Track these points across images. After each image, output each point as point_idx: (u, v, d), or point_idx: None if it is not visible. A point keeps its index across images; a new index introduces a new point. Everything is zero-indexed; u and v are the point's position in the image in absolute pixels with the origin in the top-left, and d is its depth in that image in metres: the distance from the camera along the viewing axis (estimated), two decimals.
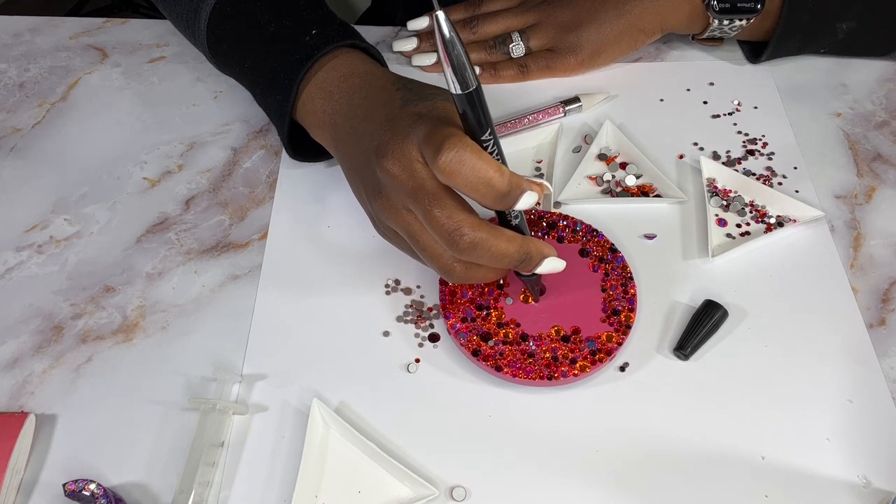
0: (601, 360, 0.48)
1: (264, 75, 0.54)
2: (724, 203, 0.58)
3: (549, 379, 0.48)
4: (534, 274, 0.47)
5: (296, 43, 0.53)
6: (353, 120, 0.49)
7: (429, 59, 0.66)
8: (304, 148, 0.57)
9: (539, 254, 0.45)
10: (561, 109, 0.63)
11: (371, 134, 0.46)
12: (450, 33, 0.36)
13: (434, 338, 0.51)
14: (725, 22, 0.63)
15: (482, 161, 0.40)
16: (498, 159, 0.42)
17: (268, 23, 0.54)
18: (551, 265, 0.46)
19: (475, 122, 0.41)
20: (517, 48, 0.65)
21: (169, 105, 0.66)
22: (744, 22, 0.63)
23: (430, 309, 0.52)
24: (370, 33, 0.71)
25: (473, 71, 0.39)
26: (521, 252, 0.44)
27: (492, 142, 0.42)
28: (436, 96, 0.46)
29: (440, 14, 0.36)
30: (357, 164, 0.48)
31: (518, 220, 0.45)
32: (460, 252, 0.43)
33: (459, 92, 0.39)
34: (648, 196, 0.58)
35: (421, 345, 0.51)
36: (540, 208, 0.57)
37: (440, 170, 0.40)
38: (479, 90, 0.39)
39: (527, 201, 0.42)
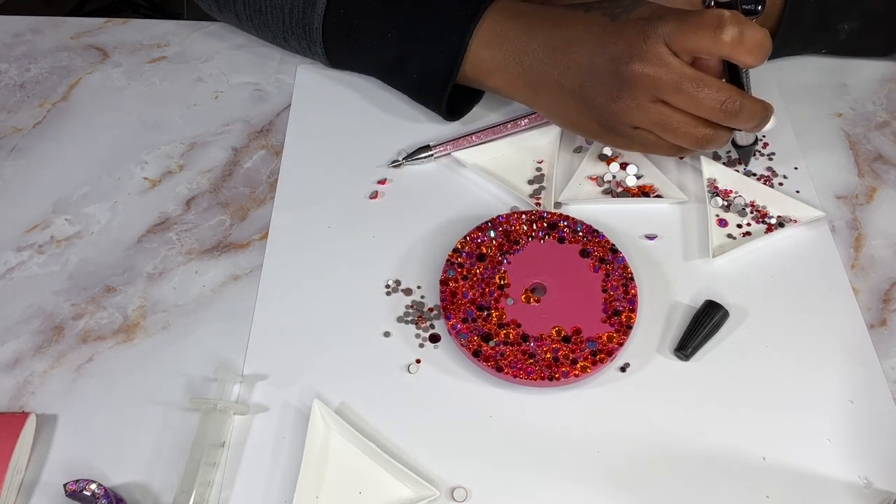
0: (602, 361, 0.48)
1: (419, 41, 0.57)
2: (725, 203, 0.58)
3: (550, 379, 0.48)
4: (753, 142, 0.57)
5: (450, 3, 0.56)
6: (547, 51, 0.53)
7: None
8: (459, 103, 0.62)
9: (771, 111, 0.51)
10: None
11: (591, 52, 0.51)
12: None
13: (435, 338, 0.51)
14: None
15: (753, 27, 0.47)
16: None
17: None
18: (773, 122, 0.52)
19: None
20: None
21: (169, 105, 0.66)
22: None
23: (430, 309, 0.52)
24: None
25: None
26: (768, 109, 0.51)
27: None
28: (638, 2, 0.52)
29: None
30: (574, 84, 0.53)
31: (748, 84, 0.52)
32: (731, 117, 0.49)
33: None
34: (649, 196, 0.58)
35: (421, 345, 0.51)
36: (540, 208, 0.57)
37: (727, 45, 0.47)
38: None
39: (772, 125, 0.52)
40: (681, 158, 0.60)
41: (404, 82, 0.61)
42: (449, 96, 0.59)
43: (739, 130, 0.54)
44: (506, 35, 0.55)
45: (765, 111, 0.51)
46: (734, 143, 0.57)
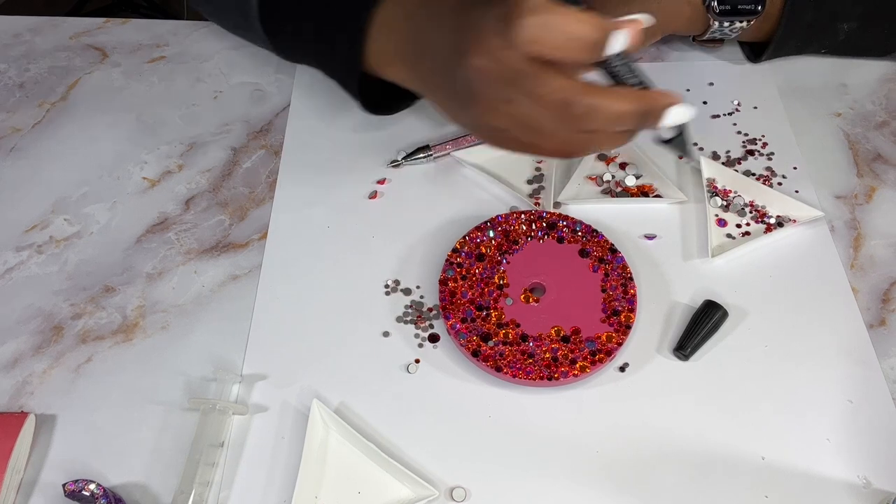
0: (601, 361, 0.48)
1: (327, 35, 0.53)
2: (724, 203, 0.58)
3: (549, 379, 0.48)
4: (678, 134, 0.45)
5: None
6: (422, 42, 0.48)
7: None
8: (380, 102, 0.56)
9: (661, 105, 0.42)
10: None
11: (446, 44, 0.45)
12: None
13: (434, 338, 0.51)
14: (726, 24, 0.63)
15: (561, 16, 0.38)
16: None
17: None
18: (677, 115, 0.42)
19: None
20: None
21: (169, 105, 0.66)
22: (744, 24, 0.63)
23: (429, 309, 0.52)
24: None
25: None
26: (641, 108, 0.41)
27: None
28: None
29: None
30: (440, 81, 0.46)
31: (633, 78, 0.42)
32: (577, 122, 0.41)
33: None
34: (648, 196, 0.58)
35: (421, 345, 0.51)
36: (540, 208, 0.57)
37: (525, 40, 0.39)
38: None
39: (618, 42, 0.40)
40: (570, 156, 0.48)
41: (334, 77, 0.57)
42: (378, 91, 0.55)
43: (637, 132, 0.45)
44: (395, 26, 0.49)
45: (634, 113, 0.41)
46: (659, 140, 0.47)
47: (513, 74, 0.41)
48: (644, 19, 0.41)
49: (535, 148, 0.45)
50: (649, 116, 0.42)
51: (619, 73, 0.42)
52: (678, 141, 0.47)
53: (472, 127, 0.47)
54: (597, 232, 0.54)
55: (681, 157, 0.55)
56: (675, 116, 0.42)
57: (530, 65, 0.40)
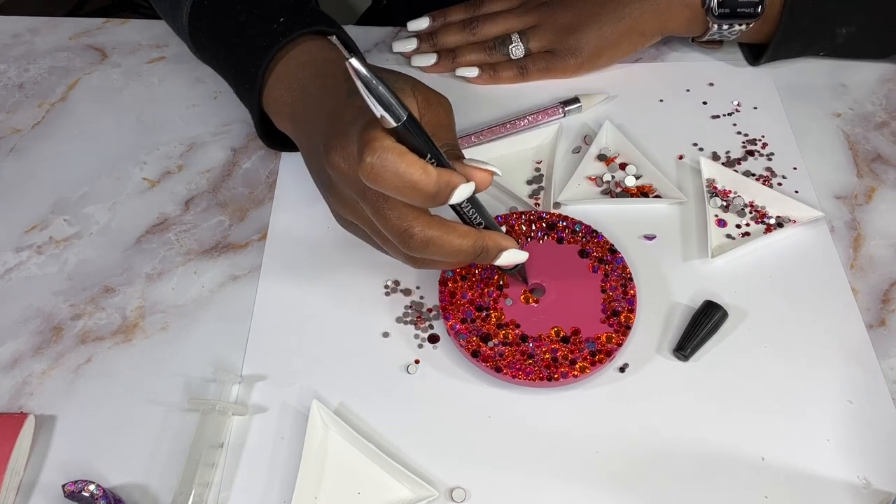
0: (601, 361, 0.48)
1: (234, 66, 0.54)
2: (724, 204, 0.58)
3: (549, 380, 0.48)
4: (515, 268, 0.48)
5: (262, 31, 0.52)
6: (307, 112, 0.49)
7: (428, 59, 0.66)
8: (281, 136, 0.56)
9: (496, 247, 0.45)
10: (560, 110, 0.63)
11: (319, 127, 0.46)
12: (366, 72, 0.36)
13: (434, 339, 0.51)
14: (725, 26, 0.63)
15: (405, 164, 0.39)
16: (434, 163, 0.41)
17: (239, 13, 0.54)
18: (510, 257, 0.45)
19: (416, 149, 0.40)
20: (517, 49, 0.65)
21: (169, 105, 0.66)
22: (743, 26, 0.63)
23: (429, 310, 0.52)
24: (370, 34, 0.71)
25: (401, 103, 0.38)
26: (476, 247, 0.44)
27: (434, 164, 0.41)
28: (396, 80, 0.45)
29: (352, 61, 0.36)
30: (312, 156, 0.48)
31: (478, 217, 0.45)
32: (413, 251, 0.43)
33: (393, 125, 0.38)
34: (648, 197, 0.58)
35: (420, 346, 0.51)
36: (539, 209, 0.57)
37: (363, 176, 0.39)
38: (410, 120, 0.39)
39: (460, 195, 0.41)
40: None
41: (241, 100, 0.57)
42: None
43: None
44: (289, 85, 0.51)
45: (469, 251, 0.43)
46: (498, 267, 0.49)
47: (363, 187, 0.42)
48: (495, 170, 0.43)
49: (380, 248, 0.47)
50: (485, 255, 0.45)
51: (464, 211, 0.44)
52: (516, 271, 0.50)
53: (331, 210, 0.48)
54: (596, 232, 0.54)
55: (739, 163, 0.58)
56: (507, 258, 0.45)
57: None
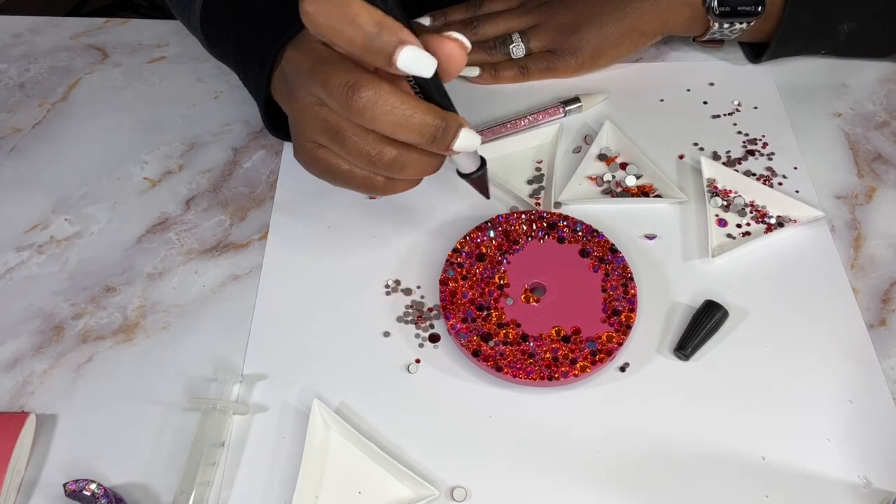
0: (601, 361, 0.48)
1: (246, 50, 0.54)
2: (725, 203, 0.58)
3: (550, 379, 0.48)
4: (478, 171, 0.46)
5: (276, 18, 0.52)
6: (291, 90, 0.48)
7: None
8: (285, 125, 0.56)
9: (456, 123, 0.41)
10: (561, 110, 0.63)
11: (292, 93, 0.46)
12: None
13: (434, 338, 0.51)
14: (726, 25, 0.63)
15: (402, 100, 0.39)
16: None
17: (254, 1, 0.54)
18: (467, 138, 0.42)
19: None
20: (517, 49, 0.65)
21: (169, 105, 0.66)
22: (744, 25, 0.63)
23: (430, 309, 0.52)
24: None
25: None
26: (438, 120, 0.41)
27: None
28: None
29: None
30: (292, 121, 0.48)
31: (442, 99, 0.42)
32: (385, 168, 0.42)
33: None
34: (649, 196, 0.58)
35: (421, 345, 0.51)
36: (540, 208, 0.57)
37: (355, 112, 0.39)
38: None
39: (465, 142, 0.41)
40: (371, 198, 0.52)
41: (250, 91, 0.57)
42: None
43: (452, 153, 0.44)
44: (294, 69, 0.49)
45: (432, 166, 0.43)
46: (458, 173, 0.48)
47: (314, 61, 0.41)
48: (462, 39, 0.40)
49: (339, 175, 0.46)
50: (444, 134, 0.41)
51: (426, 90, 0.41)
52: (478, 176, 0.48)
53: (298, 147, 0.47)
54: (597, 232, 0.54)
55: (739, 162, 0.57)
56: (465, 138, 0.42)
57: (331, 54, 0.40)
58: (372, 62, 0.39)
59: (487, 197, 0.49)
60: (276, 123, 0.55)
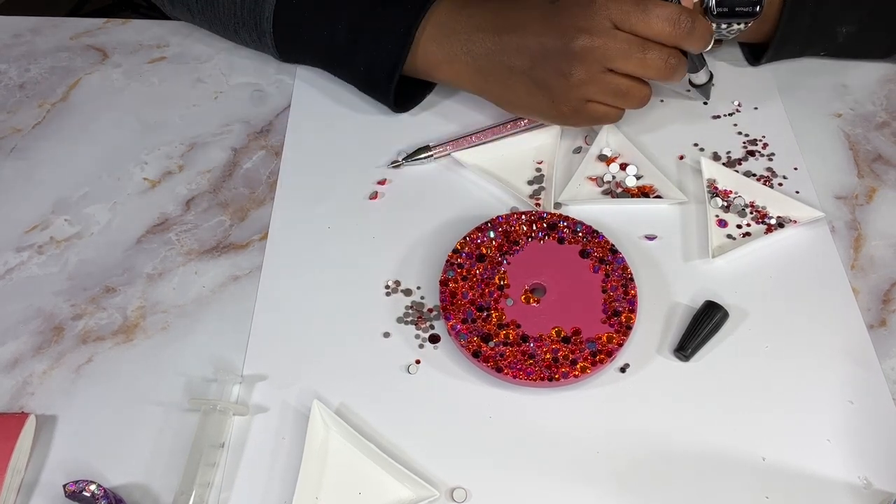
0: (602, 362, 0.48)
1: (367, 32, 0.58)
2: (725, 204, 0.58)
3: (550, 380, 0.48)
4: (708, 81, 0.62)
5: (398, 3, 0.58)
6: (493, 39, 0.55)
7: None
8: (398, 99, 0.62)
9: (711, 29, 0.54)
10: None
11: (537, 33, 0.54)
12: None
13: (434, 339, 0.51)
14: (724, 26, 0.63)
15: (701, 19, 0.52)
16: None
17: None
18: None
19: None
20: None
21: (169, 105, 0.66)
22: (742, 26, 0.63)
23: (430, 310, 0.52)
24: None
25: None
26: (700, 47, 0.54)
27: None
28: None
29: None
30: (524, 67, 0.55)
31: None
32: (670, 72, 0.53)
33: None
34: (649, 197, 0.58)
35: (421, 346, 0.51)
36: (540, 209, 0.57)
37: (681, 38, 0.52)
38: None
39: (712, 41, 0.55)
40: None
41: (353, 74, 0.62)
42: (400, 88, 0.61)
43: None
44: (452, 27, 0.57)
45: (686, 65, 0.55)
46: (691, 83, 0.63)
47: (627, 46, 0.52)
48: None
49: (606, 115, 0.56)
50: (711, 35, 0.54)
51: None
52: (705, 87, 0.63)
53: (557, 102, 0.55)
54: (597, 232, 0.54)
55: (739, 163, 0.61)
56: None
57: (634, 39, 0.52)
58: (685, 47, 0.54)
59: (706, 102, 0.65)
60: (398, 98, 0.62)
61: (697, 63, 0.61)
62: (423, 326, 0.52)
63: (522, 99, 0.57)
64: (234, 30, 0.65)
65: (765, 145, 0.62)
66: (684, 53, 0.55)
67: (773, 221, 0.57)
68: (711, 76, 0.62)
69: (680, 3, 0.54)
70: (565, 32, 0.52)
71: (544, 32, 0.53)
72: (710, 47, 0.55)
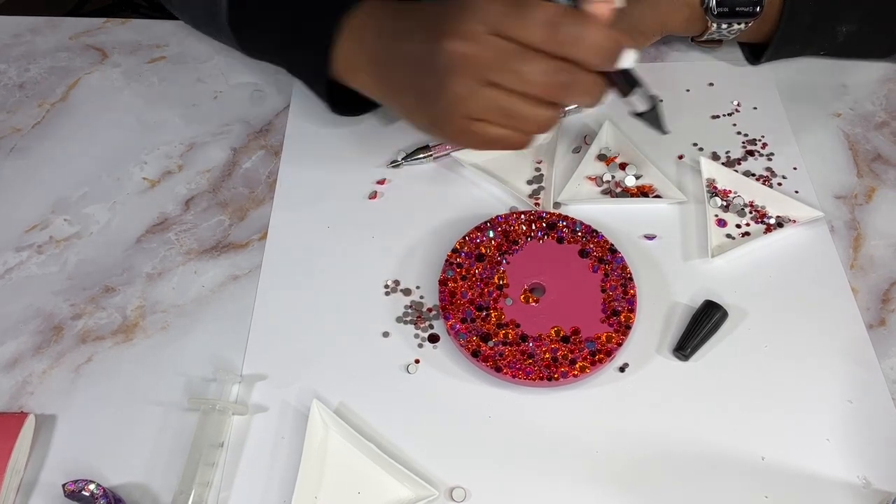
0: (601, 361, 0.48)
1: (295, 40, 0.54)
2: (724, 203, 0.58)
3: (549, 380, 0.48)
4: (651, 107, 0.49)
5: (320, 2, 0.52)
6: (390, 47, 0.49)
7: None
8: (346, 102, 0.57)
9: (621, 43, 0.45)
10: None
11: (418, 39, 0.46)
12: None
13: (434, 338, 0.51)
14: (724, 25, 0.63)
15: (594, 28, 0.42)
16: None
17: None
18: (631, 56, 0.45)
19: None
20: None
21: (169, 105, 0.66)
22: (742, 26, 0.63)
23: (429, 310, 0.52)
24: None
25: None
26: (599, 86, 0.45)
27: None
28: None
29: None
30: (407, 79, 0.48)
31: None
32: (560, 92, 0.44)
33: None
34: (648, 197, 0.58)
35: (420, 345, 0.51)
36: (539, 208, 0.57)
37: (560, 45, 0.42)
38: None
39: (629, 59, 0.44)
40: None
41: (301, 78, 0.58)
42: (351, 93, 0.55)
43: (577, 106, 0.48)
44: (363, 35, 0.51)
45: (600, 87, 0.45)
46: (635, 114, 0.50)
47: (499, 55, 0.43)
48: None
49: (505, 139, 0.47)
50: (617, 48, 0.44)
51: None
52: (651, 115, 0.50)
53: (444, 120, 0.47)
54: (596, 232, 0.54)
55: (739, 162, 0.58)
56: (630, 55, 0.45)
57: (515, 48, 0.43)
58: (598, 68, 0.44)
59: (663, 132, 0.51)
60: (338, 100, 0.55)
61: (625, 84, 0.48)
62: (422, 326, 0.52)
63: (415, 115, 0.49)
64: (205, 24, 0.62)
65: (764, 145, 0.62)
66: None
67: (772, 221, 0.57)
68: (655, 100, 0.49)
69: (579, 4, 0.44)
70: (437, 36, 0.44)
71: (421, 37, 0.46)
72: (629, 64, 0.45)
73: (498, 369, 0.48)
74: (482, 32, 0.43)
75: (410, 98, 0.48)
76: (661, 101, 0.50)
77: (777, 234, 0.56)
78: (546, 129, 0.47)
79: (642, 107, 0.49)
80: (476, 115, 0.45)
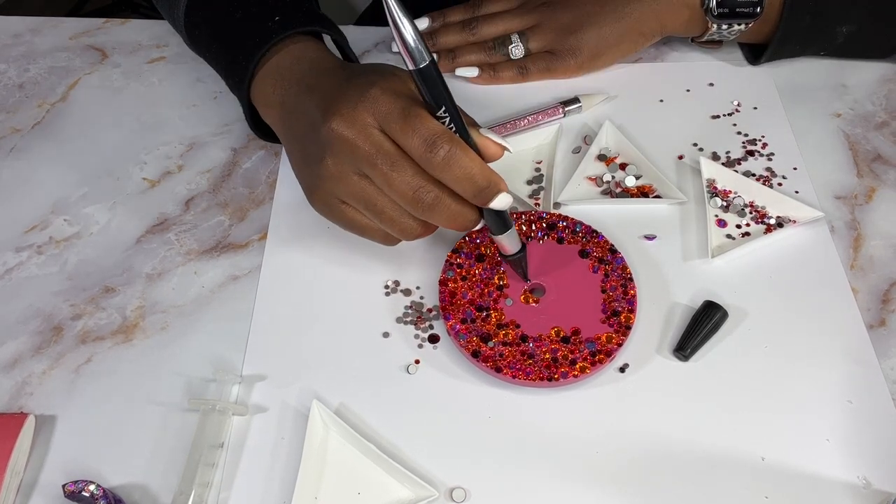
0: (601, 362, 0.48)
1: (226, 59, 0.55)
2: (724, 204, 0.58)
3: (549, 380, 0.48)
4: (517, 253, 0.49)
5: (257, 28, 0.53)
6: (299, 97, 0.50)
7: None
8: (269, 129, 0.57)
9: (498, 180, 0.44)
10: (560, 110, 0.63)
11: (316, 103, 0.47)
12: (398, 10, 0.38)
13: (434, 339, 0.51)
14: (724, 26, 0.63)
15: (469, 158, 0.43)
16: (456, 133, 0.43)
17: (236, 9, 0.55)
18: (504, 199, 0.45)
19: (431, 99, 0.42)
20: (517, 49, 0.65)
21: (169, 105, 0.66)
22: (742, 26, 0.63)
23: (429, 310, 0.52)
24: (370, 34, 0.71)
25: (426, 46, 0.40)
26: (488, 173, 0.44)
27: (448, 118, 0.43)
28: (386, 68, 0.47)
29: None
30: (300, 135, 0.49)
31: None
32: (425, 210, 0.44)
33: (413, 68, 0.40)
34: (648, 197, 0.58)
35: (421, 346, 0.51)
36: (539, 209, 0.57)
37: (435, 164, 0.42)
38: (433, 65, 0.40)
39: (501, 202, 0.45)
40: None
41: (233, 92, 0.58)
42: None
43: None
44: (281, 76, 0.51)
45: (467, 218, 0.45)
46: (501, 254, 0.51)
47: (374, 153, 0.43)
48: (507, 147, 0.46)
49: (366, 229, 0.48)
50: (489, 190, 0.44)
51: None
52: (516, 260, 0.50)
53: (309, 186, 0.48)
54: (596, 232, 0.54)
55: (739, 162, 0.59)
56: (501, 200, 0.45)
57: (393, 149, 0.43)
58: (472, 200, 0.44)
59: (526, 280, 0.52)
60: (261, 123, 0.56)
61: (495, 224, 0.47)
62: (422, 326, 0.52)
63: (299, 172, 0.50)
64: (169, 20, 0.62)
65: (764, 145, 0.62)
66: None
67: (772, 221, 0.57)
68: (523, 249, 0.50)
69: (464, 127, 0.43)
70: (332, 115, 0.44)
71: (324, 109, 0.45)
72: (501, 207, 0.45)
73: (498, 370, 0.48)
74: (370, 125, 0.44)
75: (299, 155, 0.49)
76: (525, 251, 0.50)
77: (777, 235, 0.56)
78: (411, 238, 0.47)
79: (512, 249, 0.49)
80: (342, 197, 0.46)
